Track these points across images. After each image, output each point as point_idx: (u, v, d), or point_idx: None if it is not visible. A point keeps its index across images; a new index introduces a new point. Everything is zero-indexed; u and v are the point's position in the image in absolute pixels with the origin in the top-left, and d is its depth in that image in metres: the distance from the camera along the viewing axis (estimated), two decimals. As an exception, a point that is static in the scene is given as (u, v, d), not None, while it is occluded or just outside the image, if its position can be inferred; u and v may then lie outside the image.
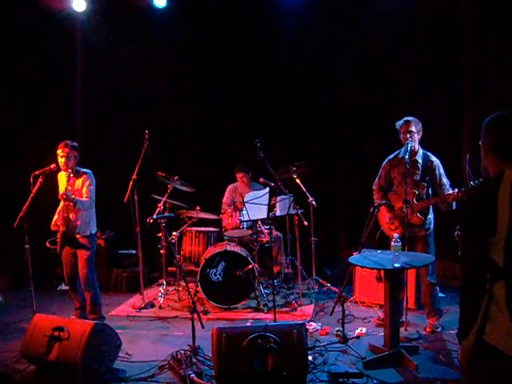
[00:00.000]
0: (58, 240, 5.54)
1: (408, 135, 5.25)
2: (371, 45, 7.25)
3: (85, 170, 5.62)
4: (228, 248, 6.40)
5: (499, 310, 2.29)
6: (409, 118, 5.30)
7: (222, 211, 7.11)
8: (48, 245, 5.86)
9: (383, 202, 5.39)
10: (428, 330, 5.37)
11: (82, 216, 5.51)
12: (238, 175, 7.33)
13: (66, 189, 5.37)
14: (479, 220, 2.37)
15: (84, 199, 5.49)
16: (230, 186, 7.47)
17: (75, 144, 5.56)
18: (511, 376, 2.26)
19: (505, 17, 6.39)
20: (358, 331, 5.38)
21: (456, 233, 3.50)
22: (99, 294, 5.74)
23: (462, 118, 6.99)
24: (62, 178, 5.57)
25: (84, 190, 5.52)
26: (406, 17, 6.99)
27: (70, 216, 5.46)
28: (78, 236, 5.50)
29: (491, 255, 2.31)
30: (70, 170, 5.47)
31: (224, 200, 7.42)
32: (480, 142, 2.57)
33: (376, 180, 5.63)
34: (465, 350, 2.42)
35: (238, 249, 6.45)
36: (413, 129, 5.26)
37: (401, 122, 5.34)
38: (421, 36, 7.10)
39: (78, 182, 5.55)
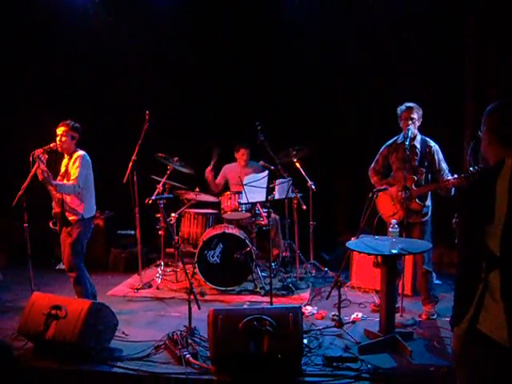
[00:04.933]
0: (56, 221, 5.52)
1: (409, 121, 5.23)
2: (373, 30, 7.18)
3: (80, 151, 5.40)
4: (226, 230, 6.41)
5: (493, 299, 2.30)
6: (410, 105, 5.28)
7: (211, 183, 7.19)
8: (51, 226, 5.82)
9: (382, 188, 5.39)
10: (423, 316, 5.40)
11: (73, 199, 5.33)
12: (240, 152, 7.24)
13: (43, 171, 5.09)
14: (477, 207, 2.38)
15: (67, 183, 5.28)
16: (227, 166, 7.43)
17: (74, 124, 5.38)
18: (503, 364, 2.28)
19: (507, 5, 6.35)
20: (353, 316, 5.40)
21: (454, 220, 3.52)
22: (84, 279, 5.43)
23: (463, 104, 6.96)
24: (65, 158, 5.50)
25: (72, 172, 5.31)
26: (409, 3, 6.95)
27: (63, 198, 5.33)
28: (70, 218, 5.36)
29: (488, 243, 2.31)
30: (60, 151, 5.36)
31: (217, 180, 7.40)
32: (480, 131, 2.56)
33: (372, 165, 5.63)
34: (457, 337, 2.44)
35: (236, 231, 6.46)
36: (414, 115, 5.24)
37: (402, 107, 5.32)
38: (422, 21, 7.03)
39: (71, 163, 5.36)
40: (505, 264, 2.28)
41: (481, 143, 2.58)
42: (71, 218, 5.35)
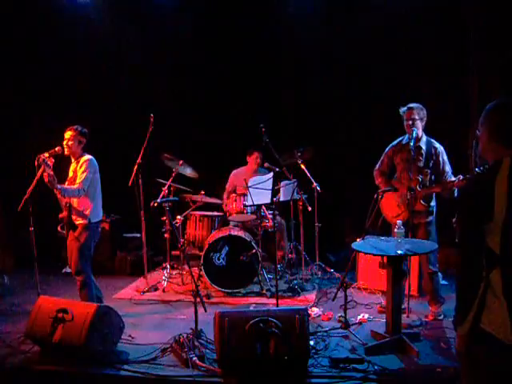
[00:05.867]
0: (64, 225, 5.53)
1: (410, 122, 5.23)
2: (374, 30, 7.17)
3: (87, 156, 5.41)
4: (232, 232, 6.41)
5: (495, 297, 2.31)
6: (412, 105, 5.27)
7: (224, 198, 7.14)
8: (59, 229, 5.83)
9: (387, 188, 5.38)
10: (430, 317, 5.39)
11: (80, 203, 5.34)
12: (254, 155, 7.20)
13: (48, 175, 5.06)
14: (477, 206, 2.39)
15: (71, 187, 5.27)
16: (234, 172, 7.41)
17: (82, 129, 5.39)
18: (508, 363, 2.28)
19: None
20: (360, 317, 5.40)
21: (454, 219, 3.52)
22: (90, 283, 5.43)
23: (468, 104, 6.95)
24: (72, 163, 5.52)
25: (78, 175, 5.31)
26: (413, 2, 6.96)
27: (71, 202, 5.33)
28: (77, 222, 5.35)
29: (488, 242, 2.32)
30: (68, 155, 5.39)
31: (227, 186, 7.39)
32: (478, 131, 2.56)
33: (377, 166, 5.62)
34: (461, 337, 2.44)
35: (241, 233, 6.46)
36: (415, 116, 5.23)
37: (404, 108, 5.31)
38: (424, 20, 7.03)
39: (77, 167, 5.38)
40: (505, 262, 2.29)
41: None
42: (78, 221, 5.35)
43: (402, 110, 5.32)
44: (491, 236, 2.31)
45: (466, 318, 2.38)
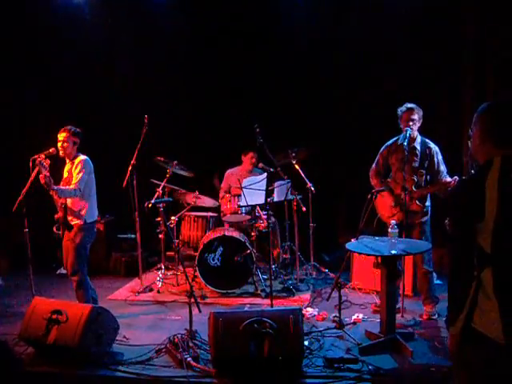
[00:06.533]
0: (59, 225, 5.52)
1: (410, 123, 5.22)
2: (372, 30, 7.17)
3: (82, 156, 5.39)
4: (226, 233, 6.41)
5: (487, 297, 2.32)
6: (411, 106, 5.26)
7: (220, 196, 7.14)
8: (55, 230, 5.81)
9: (382, 188, 5.40)
10: (424, 316, 5.41)
11: (75, 203, 5.32)
12: (249, 155, 7.17)
13: (45, 177, 5.02)
14: (468, 206, 2.40)
15: (68, 188, 5.25)
16: (229, 171, 7.39)
17: (75, 130, 5.36)
18: (500, 362, 2.29)
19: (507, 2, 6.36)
20: (354, 317, 5.41)
21: (446, 221, 3.54)
22: (86, 283, 5.39)
23: (462, 103, 6.97)
24: (67, 164, 5.51)
25: (74, 176, 5.29)
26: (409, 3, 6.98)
27: (66, 202, 5.32)
28: (72, 223, 5.34)
29: (479, 241, 2.33)
30: (63, 156, 5.38)
31: (222, 185, 7.38)
32: (470, 131, 2.58)
33: (373, 166, 5.61)
34: (453, 336, 2.45)
35: (236, 234, 6.46)
36: (415, 116, 5.24)
37: (403, 108, 5.30)
38: (422, 20, 7.04)
39: (73, 168, 5.36)
40: (496, 261, 2.30)
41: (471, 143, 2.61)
42: (74, 222, 5.34)
43: (401, 109, 5.31)
44: (482, 235, 2.32)
45: (458, 318, 2.39)
